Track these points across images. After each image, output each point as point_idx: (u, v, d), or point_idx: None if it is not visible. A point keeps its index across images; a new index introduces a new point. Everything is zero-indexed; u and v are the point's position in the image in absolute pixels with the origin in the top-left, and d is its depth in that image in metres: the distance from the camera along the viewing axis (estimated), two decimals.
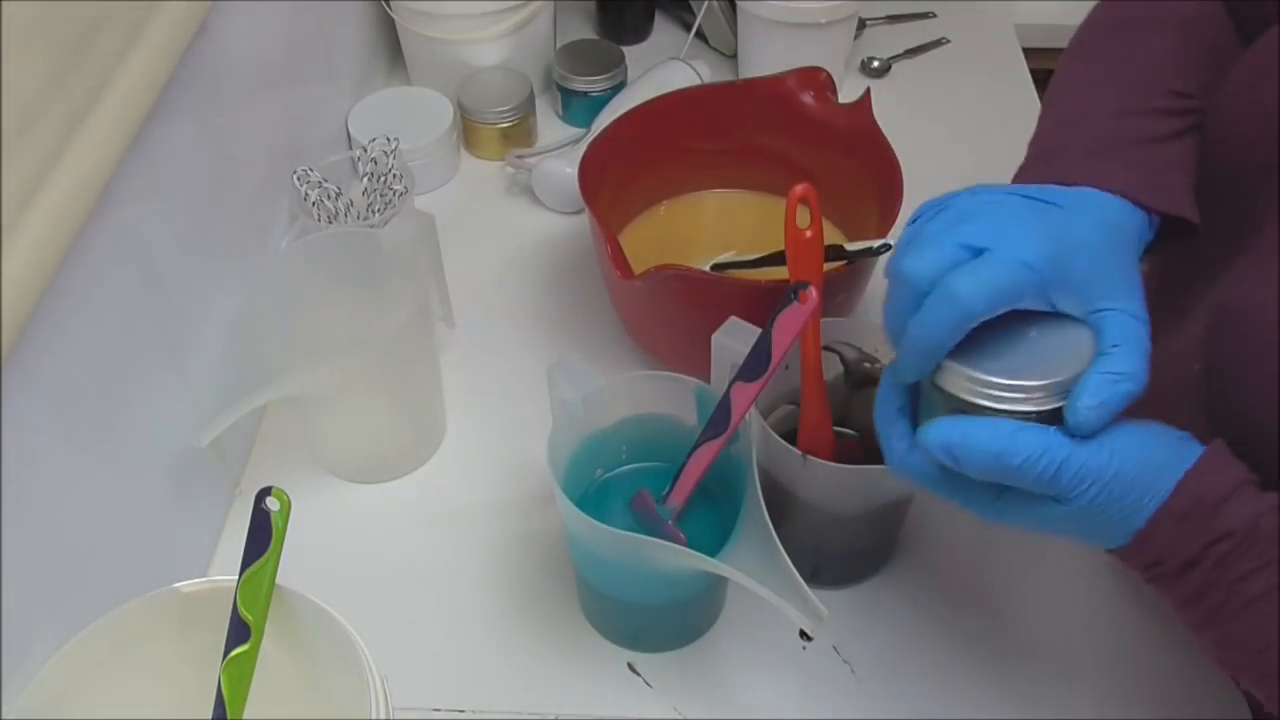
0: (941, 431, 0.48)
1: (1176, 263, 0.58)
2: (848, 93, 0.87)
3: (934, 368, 0.49)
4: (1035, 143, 0.61)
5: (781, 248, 0.63)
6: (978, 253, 0.47)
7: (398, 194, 0.87)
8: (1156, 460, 0.47)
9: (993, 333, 0.48)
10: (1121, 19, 0.63)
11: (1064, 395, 0.47)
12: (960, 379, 0.48)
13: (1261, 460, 0.48)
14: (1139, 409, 0.47)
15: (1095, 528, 0.48)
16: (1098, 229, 0.51)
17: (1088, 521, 0.48)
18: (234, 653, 0.51)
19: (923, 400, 0.51)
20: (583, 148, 0.80)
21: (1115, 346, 0.47)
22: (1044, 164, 0.58)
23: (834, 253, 0.68)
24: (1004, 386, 0.47)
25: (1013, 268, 0.47)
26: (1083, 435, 0.46)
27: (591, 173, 0.77)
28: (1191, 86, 0.58)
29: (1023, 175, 0.58)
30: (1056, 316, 0.49)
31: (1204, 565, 0.47)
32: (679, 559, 0.56)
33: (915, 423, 0.51)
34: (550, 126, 1.04)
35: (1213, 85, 0.59)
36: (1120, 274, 0.50)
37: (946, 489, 0.51)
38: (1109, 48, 0.62)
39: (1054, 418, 0.47)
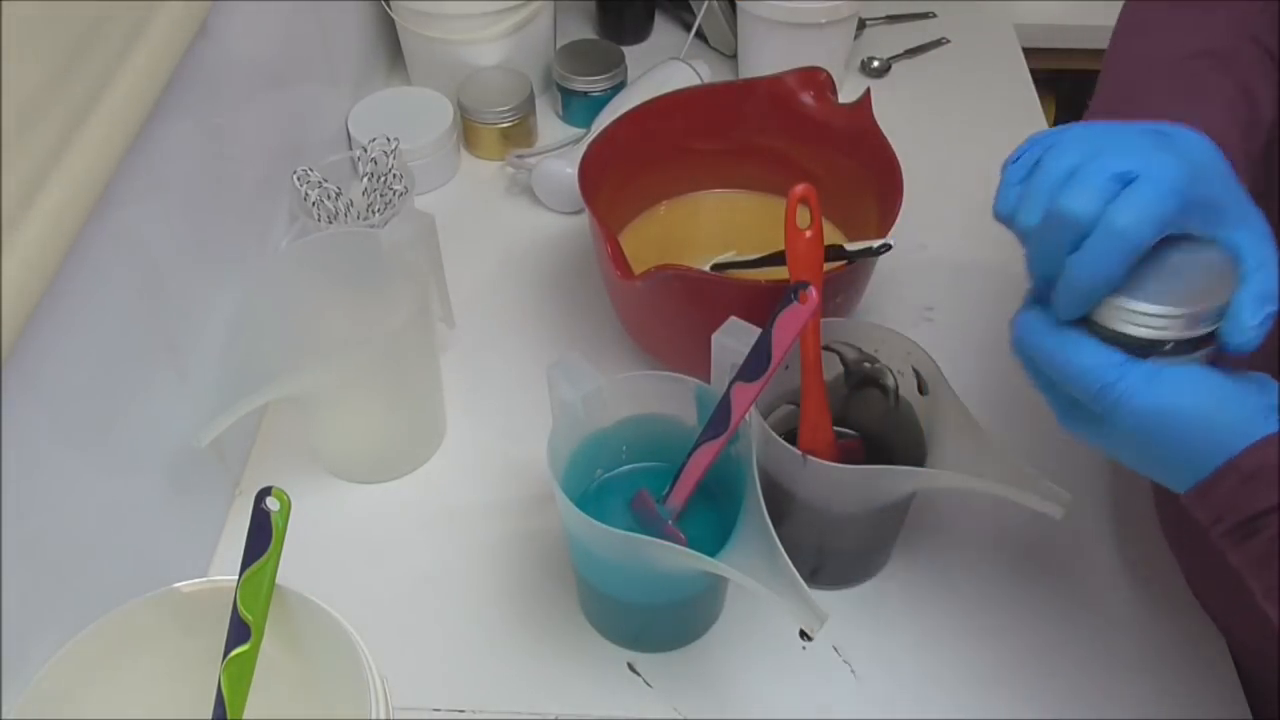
0: (1026, 323, 0.51)
1: None
2: (848, 93, 0.87)
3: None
4: (1101, 100, 0.60)
5: (781, 248, 0.63)
6: (1126, 182, 0.47)
7: (398, 194, 0.87)
8: (1234, 413, 0.47)
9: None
10: None
11: (1210, 321, 0.47)
12: (1108, 308, 0.48)
13: None
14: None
15: (1154, 464, 0.50)
16: (1208, 158, 0.50)
17: (1144, 455, 0.49)
18: (234, 653, 0.51)
19: None
20: (583, 148, 0.80)
21: (1259, 268, 0.47)
22: (1122, 105, 0.57)
23: (834, 253, 0.68)
24: (1153, 314, 0.47)
25: (1168, 195, 0.46)
26: (1245, 354, 0.47)
27: (591, 173, 0.77)
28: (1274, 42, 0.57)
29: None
30: (1188, 239, 0.49)
31: (1265, 532, 0.46)
32: (679, 559, 0.55)
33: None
34: (550, 126, 1.04)
35: None
36: (1244, 197, 0.49)
37: (1036, 381, 0.53)
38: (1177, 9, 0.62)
39: (1201, 343, 0.48)
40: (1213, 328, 0.48)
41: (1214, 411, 0.47)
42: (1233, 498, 0.47)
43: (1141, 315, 0.47)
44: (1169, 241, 0.48)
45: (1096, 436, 0.51)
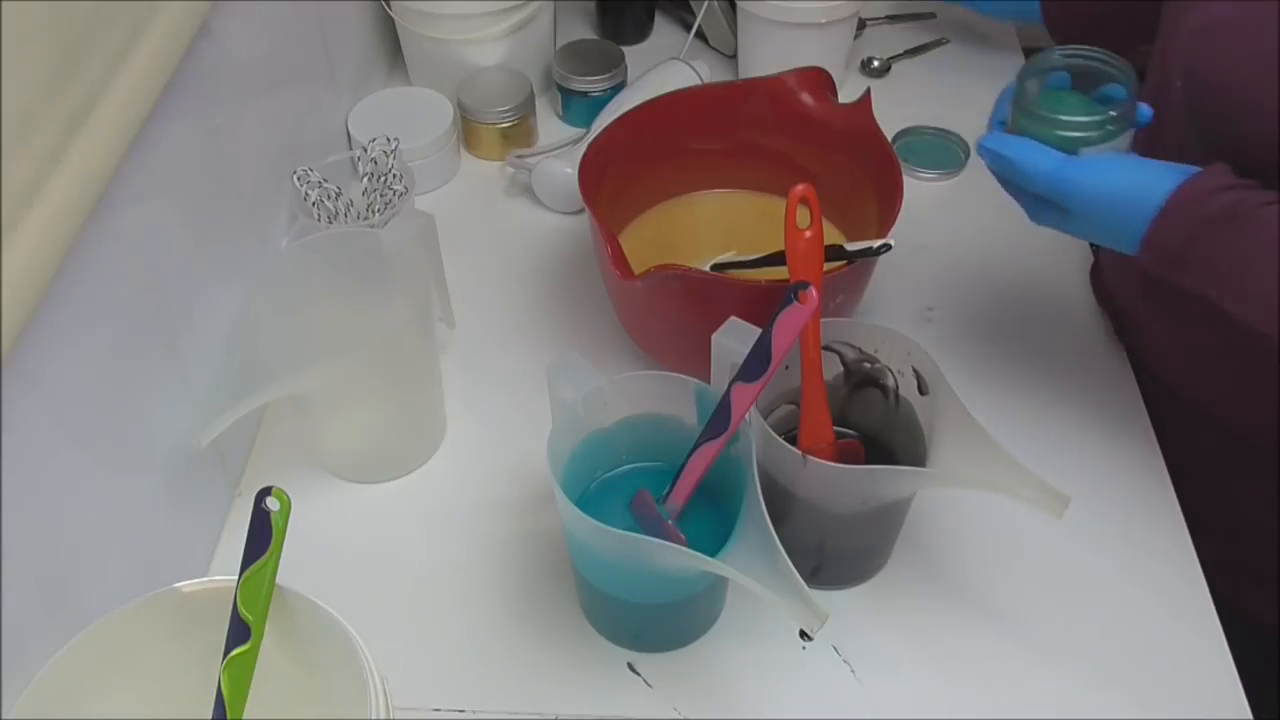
0: (991, 139, 0.67)
1: None
2: (848, 93, 0.87)
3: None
4: None
5: (781, 248, 0.63)
6: None
7: (398, 194, 0.87)
8: (1149, 177, 0.62)
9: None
10: None
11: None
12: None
13: (1251, 165, 0.60)
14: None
15: (1106, 232, 0.65)
16: None
17: (1097, 226, 0.64)
18: (234, 653, 0.51)
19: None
20: (583, 148, 0.80)
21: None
22: None
23: (834, 253, 0.68)
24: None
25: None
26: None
27: (591, 173, 0.77)
28: None
29: None
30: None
31: (1199, 249, 0.59)
32: (679, 559, 0.56)
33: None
34: (550, 126, 1.04)
35: None
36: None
37: (1006, 189, 0.68)
38: None
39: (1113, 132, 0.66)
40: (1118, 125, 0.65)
41: (1142, 174, 0.62)
42: (1169, 228, 0.60)
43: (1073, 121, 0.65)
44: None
45: (1061, 223, 0.66)
